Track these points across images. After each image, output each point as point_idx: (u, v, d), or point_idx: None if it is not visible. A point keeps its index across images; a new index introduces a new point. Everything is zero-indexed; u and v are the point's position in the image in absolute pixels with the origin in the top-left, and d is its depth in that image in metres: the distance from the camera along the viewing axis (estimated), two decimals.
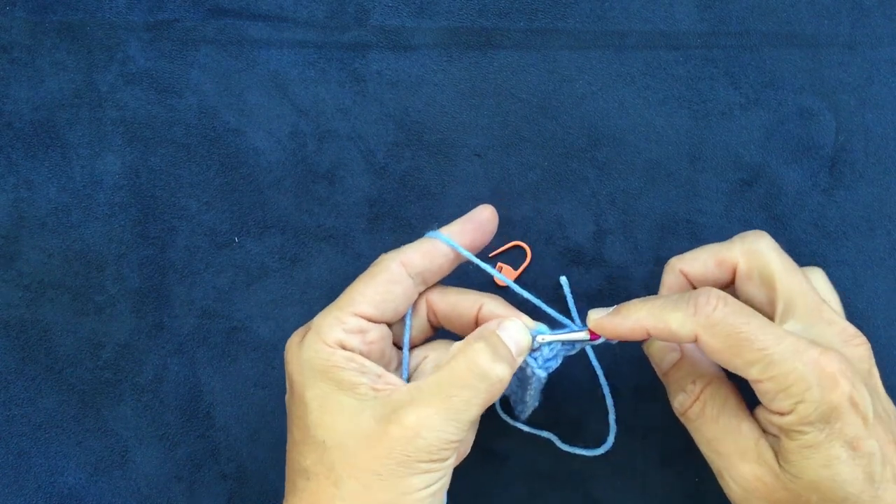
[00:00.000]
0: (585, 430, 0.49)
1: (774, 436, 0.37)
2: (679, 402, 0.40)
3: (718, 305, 0.35)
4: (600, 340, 0.39)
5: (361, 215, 0.50)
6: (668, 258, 0.49)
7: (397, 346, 0.42)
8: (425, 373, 0.41)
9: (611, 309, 0.39)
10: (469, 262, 0.41)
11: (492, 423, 0.47)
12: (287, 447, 0.39)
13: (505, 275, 0.47)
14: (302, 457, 0.37)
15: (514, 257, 0.50)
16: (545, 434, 0.48)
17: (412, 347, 0.42)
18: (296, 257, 0.50)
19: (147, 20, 0.51)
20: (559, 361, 0.41)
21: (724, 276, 0.40)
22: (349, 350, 0.38)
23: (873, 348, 0.49)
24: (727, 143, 0.50)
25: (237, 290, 0.50)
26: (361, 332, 0.38)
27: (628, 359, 0.49)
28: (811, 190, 0.50)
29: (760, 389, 0.36)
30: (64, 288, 0.50)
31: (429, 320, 0.42)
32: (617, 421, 0.45)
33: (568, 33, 0.50)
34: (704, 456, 0.39)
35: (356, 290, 0.39)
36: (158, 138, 0.51)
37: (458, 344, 0.38)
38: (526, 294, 0.42)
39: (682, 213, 0.50)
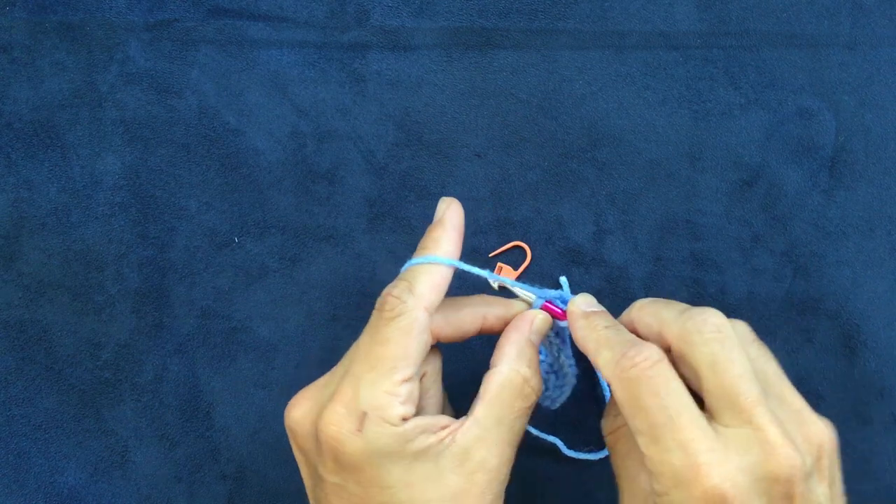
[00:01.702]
0: (586, 431, 0.49)
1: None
2: (603, 425, 0.39)
3: (642, 365, 0.34)
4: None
5: (361, 215, 0.50)
6: (669, 258, 0.49)
7: None
8: (428, 390, 0.40)
9: (596, 309, 0.39)
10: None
11: None
12: None
13: (505, 275, 0.47)
14: None
15: (514, 257, 0.50)
16: (551, 439, 0.48)
17: None
18: (296, 257, 0.50)
19: (147, 20, 0.51)
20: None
21: (664, 348, 0.37)
22: (409, 419, 0.35)
23: (873, 349, 0.49)
24: (727, 143, 0.50)
25: (237, 290, 0.50)
26: (411, 396, 0.36)
27: None
28: (811, 190, 0.50)
29: (643, 459, 0.34)
30: (64, 288, 0.50)
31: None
32: None
33: (568, 33, 0.50)
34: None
35: (393, 352, 0.36)
36: (158, 138, 0.51)
37: (503, 367, 0.38)
38: (527, 290, 0.41)
39: (682, 213, 0.50)
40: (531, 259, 0.50)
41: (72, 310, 0.50)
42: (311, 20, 0.51)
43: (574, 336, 0.39)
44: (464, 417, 0.37)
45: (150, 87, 0.51)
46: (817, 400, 0.49)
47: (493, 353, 0.39)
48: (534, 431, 0.47)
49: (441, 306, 0.39)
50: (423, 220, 0.50)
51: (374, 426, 0.35)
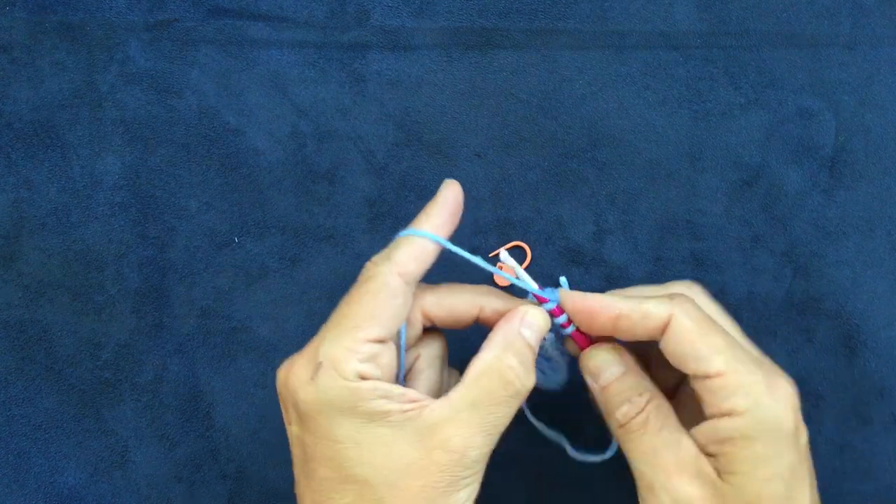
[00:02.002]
0: (586, 433, 0.48)
1: (712, 455, 0.37)
2: (623, 412, 0.39)
3: (694, 299, 0.38)
4: (548, 305, 0.40)
5: (361, 215, 0.50)
6: (669, 258, 0.49)
7: None
8: (421, 371, 0.40)
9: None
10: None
11: None
12: (305, 481, 0.37)
13: (506, 272, 0.47)
14: (339, 495, 0.35)
15: (514, 257, 0.50)
16: (555, 437, 0.47)
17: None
18: (296, 257, 0.50)
19: (147, 20, 0.51)
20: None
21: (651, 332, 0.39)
22: (369, 379, 0.36)
23: (873, 349, 0.49)
24: (727, 143, 0.50)
25: (237, 290, 0.50)
26: (375, 357, 0.36)
27: None
28: (811, 190, 0.50)
29: (717, 385, 0.36)
30: (64, 288, 0.50)
31: (421, 322, 0.41)
32: None
33: (568, 33, 0.50)
34: (635, 471, 0.39)
35: (359, 312, 0.37)
36: (158, 138, 0.51)
37: (486, 355, 0.37)
38: (525, 281, 0.41)
39: (682, 213, 0.50)
40: (531, 259, 0.50)
41: (72, 310, 0.50)
42: (311, 20, 0.51)
43: (585, 304, 0.39)
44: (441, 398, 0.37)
45: (150, 87, 0.51)
46: (817, 400, 0.49)
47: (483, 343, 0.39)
48: (539, 426, 0.47)
49: (437, 289, 0.40)
50: None
51: (326, 377, 0.35)
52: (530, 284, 0.40)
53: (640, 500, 0.38)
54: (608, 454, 0.45)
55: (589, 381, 0.41)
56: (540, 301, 0.40)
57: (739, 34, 0.50)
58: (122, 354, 0.50)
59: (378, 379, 0.36)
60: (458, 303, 0.40)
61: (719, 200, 0.50)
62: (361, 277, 0.38)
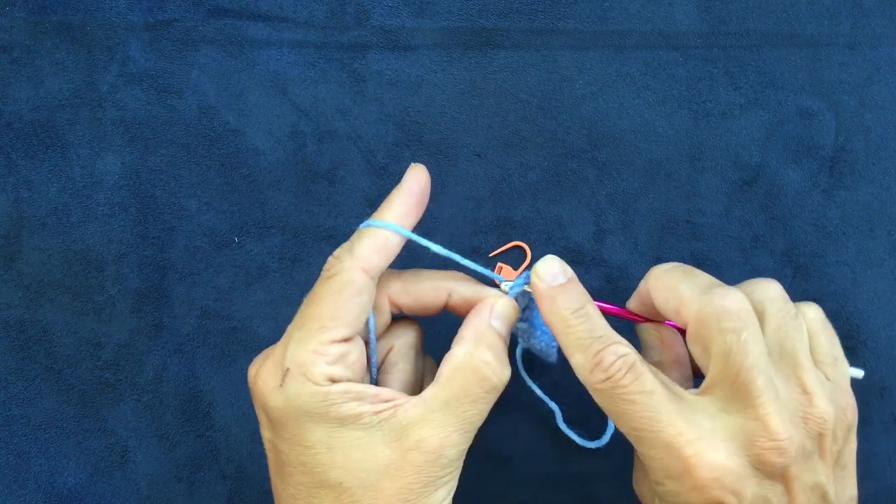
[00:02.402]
0: (586, 433, 0.49)
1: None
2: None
3: (615, 377, 0.34)
4: (513, 285, 0.39)
5: (361, 215, 0.50)
6: (669, 258, 0.49)
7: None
8: (395, 364, 0.39)
9: (562, 280, 0.38)
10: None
11: (494, 426, 0.47)
12: (280, 485, 0.37)
13: (505, 275, 0.47)
14: (315, 500, 0.35)
15: (514, 257, 0.50)
16: (551, 404, 0.47)
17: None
18: (296, 257, 0.50)
19: (147, 20, 0.51)
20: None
21: (680, 324, 0.38)
22: (338, 381, 0.35)
23: (873, 349, 0.49)
24: (727, 143, 0.50)
25: (237, 290, 0.50)
26: (343, 357, 0.35)
27: None
28: (811, 190, 0.50)
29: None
30: (64, 288, 0.50)
31: (389, 310, 0.40)
32: None
33: (568, 33, 0.50)
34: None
35: (323, 311, 0.35)
36: (158, 138, 0.51)
37: (458, 351, 0.36)
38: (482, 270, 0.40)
39: (682, 213, 0.50)
40: (531, 259, 0.50)
41: (72, 310, 0.50)
42: (311, 20, 0.51)
43: (543, 318, 0.37)
44: (415, 396, 0.36)
45: (150, 87, 0.51)
46: None
47: (455, 338, 0.38)
48: (538, 391, 0.46)
49: (403, 275, 0.39)
50: (423, 220, 0.50)
51: (294, 382, 0.34)
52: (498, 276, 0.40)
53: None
54: (595, 444, 0.44)
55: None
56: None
57: (739, 34, 0.50)
58: (122, 354, 0.50)
59: (348, 380, 0.35)
60: (424, 289, 0.39)
61: (719, 200, 0.50)
62: (324, 274, 0.36)
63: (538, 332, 0.40)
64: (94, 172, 0.51)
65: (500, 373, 0.36)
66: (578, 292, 0.37)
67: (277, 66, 0.51)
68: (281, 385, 0.35)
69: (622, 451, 0.48)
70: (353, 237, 0.37)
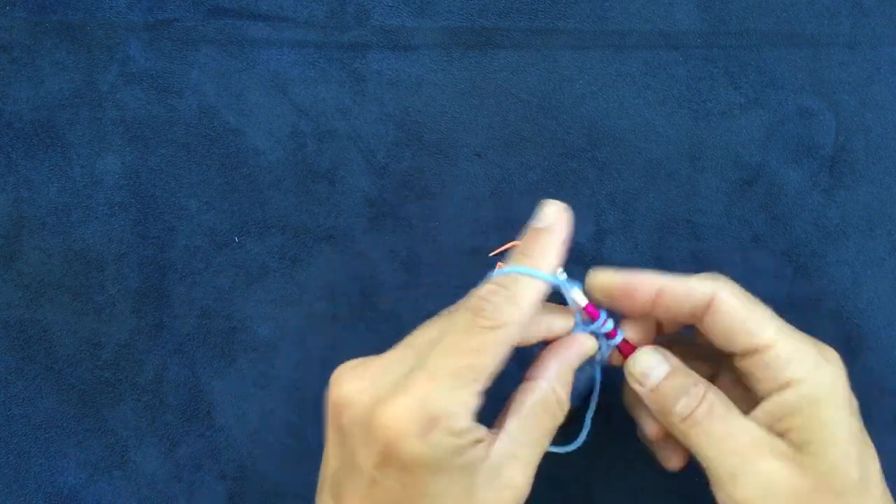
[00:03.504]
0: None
1: (779, 433, 0.36)
2: (683, 405, 0.38)
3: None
4: (606, 327, 0.39)
5: (361, 215, 0.50)
6: (669, 258, 0.49)
7: None
8: None
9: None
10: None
11: None
12: None
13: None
14: None
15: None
16: None
17: None
18: (296, 257, 0.50)
19: (147, 20, 0.51)
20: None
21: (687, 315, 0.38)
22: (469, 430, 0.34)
23: (873, 349, 0.49)
24: (727, 143, 0.50)
25: (237, 290, 0.50)
26: (477, 407, 0.34)
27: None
28: (811, 190, 0.50)
29: (770, 357, 0.36)
30: (64, 288, 0.50)
31: None
32: (617, 422, 0.45)
33: (568, 33, 0.50)
34: (708, 462, 0.38)
35: (483, 365, 0.33)
36: (158, 138, 0.51)
37: (541, 385, 0.36)
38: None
39: (682, 213, 0.50)
40: None
41: (72, 310, 0.50)
42: (311, 20, 0.51)
43: (622, 282, 0.38)
44: (494, 429, 0.35)
45: (150, 87, 0.51)
46: None
47: (531, 366, 0.38)
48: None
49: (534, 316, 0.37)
50: (423, 220, 0.50)
51: (441, 434, 0.32)
52: (581, 304, 0.39)
53: (718, 490, 0.37)
54: (572, 447, 0.44)
55: (637, 387, 0.39)
56: (592, 317, 0.39)
57: (739, 34, 0.50)
58: (122, 354, 0.50)
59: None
60: (531, 328, 0.38)
61: (719, 200, 0.50)
62: (485, 321, 0.34)
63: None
64: (94, 172, 0.51)
65: (566, 411, 0.37)
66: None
67: (277, 65, 0.51)
68: (425, 434, 0.32)
69: (621, 451, 0.48)
70: (509, 283, 0.35)
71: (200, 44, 0.51)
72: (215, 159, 0.51)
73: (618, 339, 0.40)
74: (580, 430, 0.44)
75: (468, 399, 0.33)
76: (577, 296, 0.40)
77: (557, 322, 0.39)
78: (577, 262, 0.50)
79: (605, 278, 0.39)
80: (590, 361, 0.41)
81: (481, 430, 0.34)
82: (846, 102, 0.50)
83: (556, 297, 0.40)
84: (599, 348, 0.40)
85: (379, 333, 0.50)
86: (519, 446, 0.35)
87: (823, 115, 0.50)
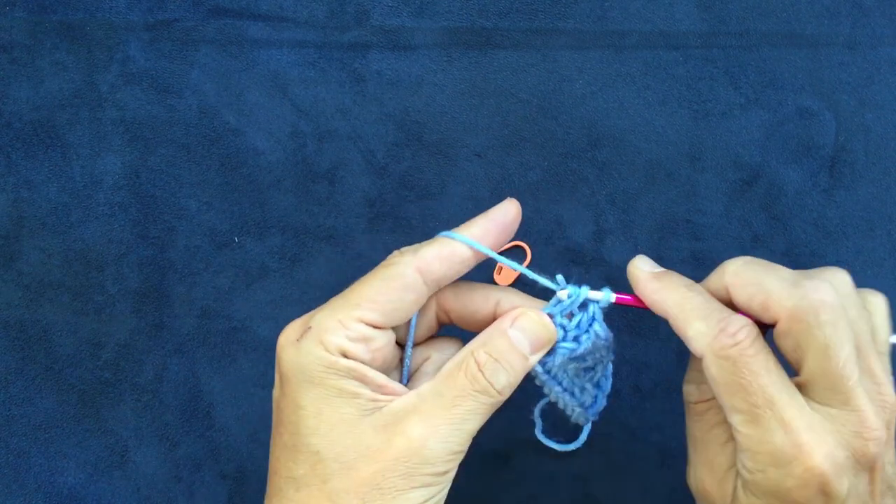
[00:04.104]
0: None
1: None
2: (689, 391, 0.39)
3: (743, 343, 0.34)
4: (603, 299, 0.38)
5: (361, 215, 0.50)
6: (669, 258, 0.49)
7: (399, 343, 0.40)
8: (426, 374, 0.39)
9: (657, 269, 0.38)
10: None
11: (493, 425, 0.47)
12: (272, 446, 0.37)
13: (505, 275, 0.47)
14: (294, 464, 0.35)
15: (514, 257, 0.50)
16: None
17: (414, 346, 0.40)
18: (296, 257, 0.50)
19: (147, 20, 0.51)
20: (593, 329, 0.38)
21: (765, 319, 0.36)
22: (351, 359, 0.35)
23: None
24: (727, 143, 0.50)
25: (237, 290, 0.50)
26: (366, 340, 0.36)
27: (629, 359, 0.49)
28: (811, 190, 0.50)
29: (735, 436, 0.35)
30: (64, 288, 0.50)
31: (437, 317, 0.40)
32: (616, 421, 0.45)
33: (568, 33, 0.50)
34: (687, 437, 0.39)
35: (364, 292, 0.36)
36: (158, 138, 0.51)
37: (462, 350, 0.37)
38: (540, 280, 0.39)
39: (682, 213, 0.50)
40: (531, 259, 0.50)
41: (72, 310, 0.50)
42: (311, 20, 0.51)
43: (647, 300, 0.37)
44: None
45: (150, 87, 0.51)
46: None
47: None
48: (552, 445, 0.44)
49: (458, 282, 0.39)
50: (423, 220, 0.50)
51: (309, 342, 0.35)
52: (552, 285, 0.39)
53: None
54: (573, 446, 0.44)
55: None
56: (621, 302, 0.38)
57: (739, 34, 0.50)
58: (122, 354, 0.50)
59: (361, 362, 0.35)
60: (474, 296, 0.39)
61: (719, 200, 0.50)
62: (382, 263, 0.37)
63: (577, 391, 0.40)
64: (94, 172, 0.51)
65: (491, 375, 0.36)
66: (681, 275, 0.38)
67: (277, 66, 0.51)
68: (298, 341, 0.35)
69: (621, 451, 0.48)
70: (426, 241, 0.38)
71: (200, 44, 0.51)
72: (215, 159, 0.51)
73: (608, 298, 0.39)
74: (581, 430, 0.43)
75: (345, 319, 0.35)
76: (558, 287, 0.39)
77: (508, 299, 0.39)
78: (578, 262, 0.50)
79: (637, 273, 0.39)
80: (600, 361, 0.40)
81: (389, 382, 0.36)
82: (846, 102, 0.50)
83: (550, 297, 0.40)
84: (608, 348, 0.39)
85: None
86: (423, 401, 0.35)
87: (823, 115, 0.50)
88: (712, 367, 0.34)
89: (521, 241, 0.50)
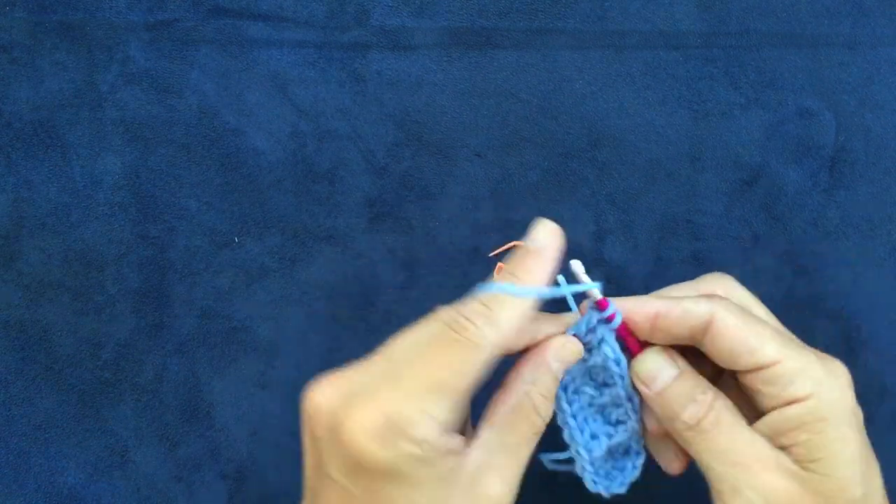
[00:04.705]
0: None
1: (783, 447, 0.36)
2: (690, 413, 0.37)
3: (730, 290, 0.38)
4: (603, 314, 0.38)
5: (361, 215, 0.50)
6: (669, 258, 0.49)
7: None
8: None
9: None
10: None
11: None
12: None
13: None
14: None
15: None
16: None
17: None
18: (296, 257, 0.50)
19: (147, 20, 0.51)
20: (603, 347, 0.38)
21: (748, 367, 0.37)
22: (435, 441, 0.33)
23: (873, 349, 0.49)
24: (727, 143, 0.50)
25: (237, 290, 0.50)
26: (447, 421, 0.33)
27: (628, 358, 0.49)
28: (811, 190, 0.50)
29: (775, 374, 0.35)
30: (64, 288, 0.50)
31: None
32: None
33: (568, 33, 0.50)
34: (711, 473, 0.37)
35: (447, 380, 0.33)
36: (158, 138, 0.51)
37: (515, 390, 0.36)
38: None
39: (682, 213, 0.50)
40: None
41: (72, 310, 0.50)
42: (311, 20, 0.51)
43: (627, 306, 0.37)
44: (470, 439, 0.35)
45: (150, 87, 0.51)
46: None
47: (509, 373, 0.37)
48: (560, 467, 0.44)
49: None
50: (423, 220, 0.50)
51: (403, 443, 0.32)
52: (582, 288, 0.38)
53: (718, 501, 0.36)
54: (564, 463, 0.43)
55: (642, 388, 0.38)
56: (601, 307, 0.38)
57: (739, 34, 0.50)
58: (122, 354, 0.50)
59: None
60: (517, 337, 0.37)
61: (719, 200, 0.50)
62: (459, 334, 0.33)
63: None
64: (94, 172, 0.51)
65: (545, 416, 0.36)
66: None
67: (277, 66, 0.51)
68: (388, 442, 0.32)
69: None
70: (491, 301, 0.35)
71: (200, 44, 0.51)
72: (215, 159, 0.51)
73: (616, 322, 0.38)
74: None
75: (434, 411, 0.33)
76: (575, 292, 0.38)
77: (543, 329, 0.38)
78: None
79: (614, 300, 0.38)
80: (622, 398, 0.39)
81: (454, 441, 0.34)
82: (846, 102, 0.50)
83: (557, 305, 0.40)
84: (627, 393, 0.39)
85: (378, 333, 0.49)
86: (493, 455, 0.35)
87: (823, 115, 0.50)
88: (727, 317, 0.36)
89: (521, 241, 0.50)
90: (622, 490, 0.41)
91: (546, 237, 0.37)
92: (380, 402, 0.33)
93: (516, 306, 0.34)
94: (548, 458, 0.43)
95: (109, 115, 0.51)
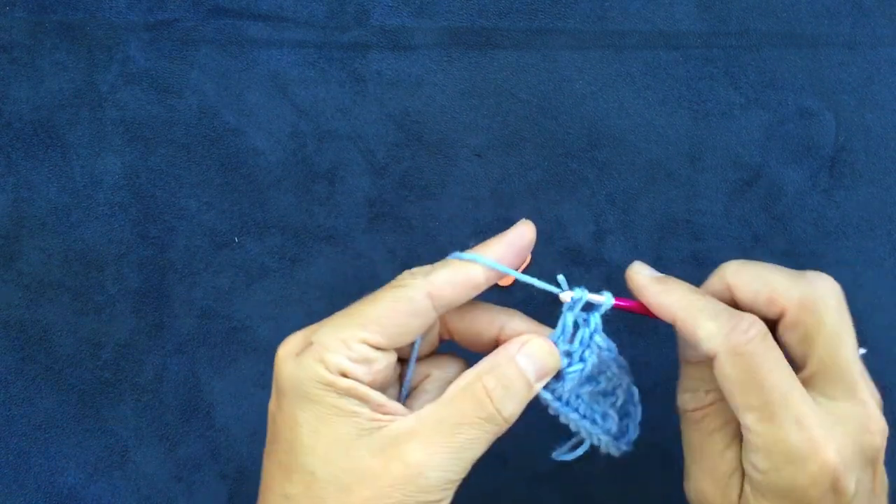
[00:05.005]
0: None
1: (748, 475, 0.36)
2: (685, 400, 0.38)
3: (755, 339, 0.34)
4: (605, 305, 0.38)
5: (361, 215, 0.50)
6: (669, 258, 0.49)
7: (400, 358, 0.38)
8: (427, 393, 0.38)
9: (657, 274, 0.38)
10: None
11: None
12: (266, 461, 0.36)
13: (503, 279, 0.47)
14: (289, 483, 0.34)
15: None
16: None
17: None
18: (296, 257, 0.50)
19: (147, 20, 0.51)
20: (594, 342, 0.38)
21: (771, 314, 0.36)
22: (351, 378, 0.34)
23: (874, 349, 0.49)
24: (727, 143, 0.50)
25: (237, 290, 0.50)
26: (368, 361, 0.34)
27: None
28: (811, 190, 0.50)
29: (746, 436, 0.35)
30: (64, 288, 0.50)
31: (439, 335, 0.39)
32: None
33: (568, 33, 0.50)
34: (683, 447, 0.38)
35: (371, 313, 0.35)
36: (158, 138, 0.51)
37: (467, 374, 0.36)
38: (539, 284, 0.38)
39: (682, 213, 0.50)
40: (531, 259, 0.50)
41: (72, 310, 0.50)
42: (311, 20, 0.51)
43: (652, 304, 0.37)
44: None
45: (150, 87, 0.51)
46: None
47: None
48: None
49: (463, 306, 0.37)
50: (423, 220, 0.50)
51: (309, 358, 0.34)
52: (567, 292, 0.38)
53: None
54: (580, 451, 0.43)
55: (680, 348, 0.38)
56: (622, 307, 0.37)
57: (739, 34, 0.50)
58: (122, 354, 0.50)
59: (361, 382, 0.34)
60: (479, 317, 0.38)
61: (719, 200, 0.50)
62: (393, 282, 0.36)
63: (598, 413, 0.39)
64: (94, 172, 0.51)
65: (499, 402, 0.35)
66: (680, 280, 0.37)
67: (277, 66, 0.51)
68: (297, 356, 0.35)
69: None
70: (438, 263, 0.36)
71: (200, 44, 0.51)
72: (215, 159, 0.51)
73: (609, 302, 0.38)
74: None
75: (348, 339, 0.34)
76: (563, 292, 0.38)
77: (514, 324, 0.38)
78: (578, 262, 0.50)
79: (637, 278, 0.38)
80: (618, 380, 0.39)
81: (390, 404, 0.35)
82: (846, 102, 0.50)
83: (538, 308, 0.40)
84: (621, 367, 0.39)
85: None
86: (426, 426, 0.34)
87: (823, 115, 0.50)
88: (727, 366, 0.34)
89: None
90: (637, 434, 0.41)
91: (518, 232, 0.38)
92: (307, 331, 0.36)
93: (455, 267, 0.36)
94: (560, 455, 0.43)
95: (109, 115, 0.51)
